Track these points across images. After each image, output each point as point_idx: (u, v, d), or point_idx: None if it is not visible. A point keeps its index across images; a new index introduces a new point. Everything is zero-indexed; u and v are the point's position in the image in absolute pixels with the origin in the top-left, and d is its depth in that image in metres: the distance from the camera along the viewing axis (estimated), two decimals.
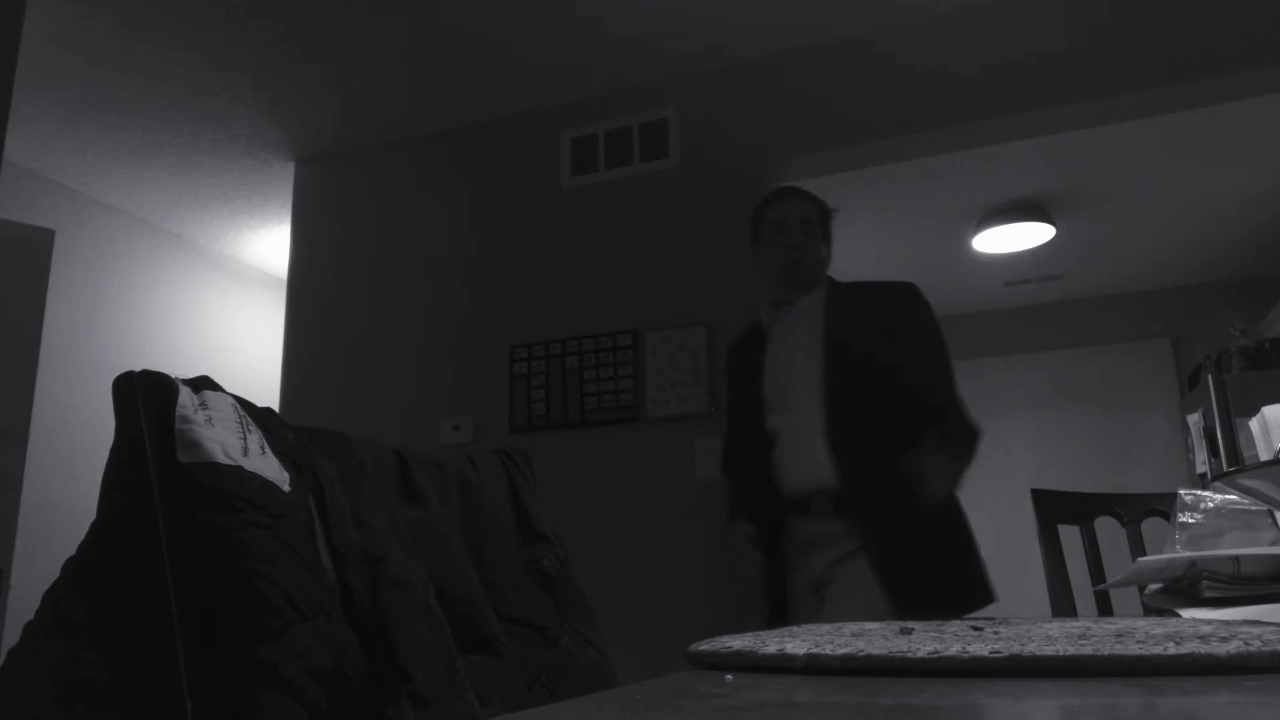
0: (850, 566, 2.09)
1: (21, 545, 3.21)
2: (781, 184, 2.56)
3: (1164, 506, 1.85)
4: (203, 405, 0.76)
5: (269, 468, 0.77)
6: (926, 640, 0.51)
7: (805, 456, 2.19)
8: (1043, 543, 1.85)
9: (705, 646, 0.55)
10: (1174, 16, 2.82)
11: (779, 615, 2.22)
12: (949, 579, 2.09)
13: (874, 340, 2.22)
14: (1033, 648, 0.46)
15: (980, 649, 0.46)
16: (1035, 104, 2.92)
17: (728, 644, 0.54)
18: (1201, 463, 4.41)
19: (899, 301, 2.29)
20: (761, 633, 0.60)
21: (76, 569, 0.71)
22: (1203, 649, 0.43)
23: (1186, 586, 0.72)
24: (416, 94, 3.45)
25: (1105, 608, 1.76)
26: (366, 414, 3.50)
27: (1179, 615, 0.73)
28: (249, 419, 0.80)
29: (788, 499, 2.23)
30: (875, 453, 2.12)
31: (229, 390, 0.82)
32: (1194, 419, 4.49)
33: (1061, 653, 0.44)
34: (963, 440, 2.09)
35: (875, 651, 0.47)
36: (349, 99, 3.47)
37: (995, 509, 5.96)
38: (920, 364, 2.19)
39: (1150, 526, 1.86)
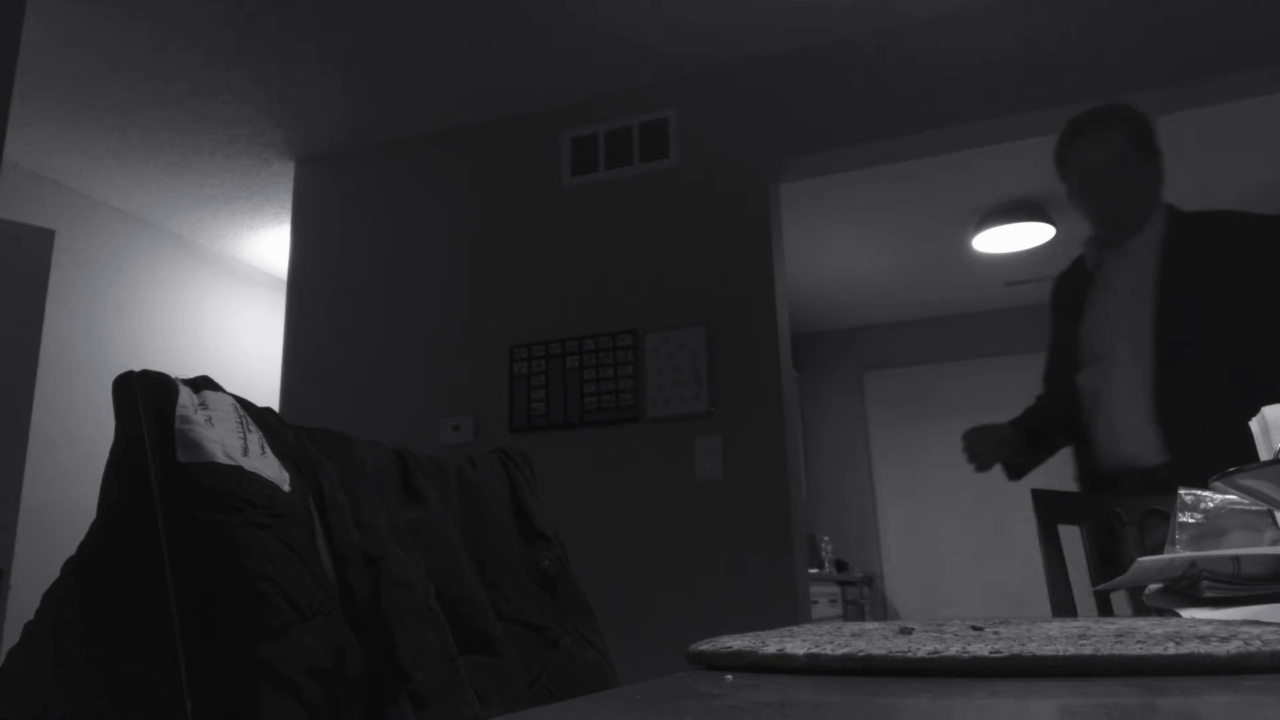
0: None
1: (21, 545, 3.21)
2: (1087, 109, 2.11)
3: (1164, 506, 1.85)
4: (203, 405, 0.76)
5: (269, 468, 0.77)
6: (926, 640, 0.51)
7: (1124, 425, 1.92)
8: (1043, 543, 1.85)
9: (705, 646, 0.55)
10: (1174, 16, 2.82)
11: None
12: None
13: (1225, 287, 1.87)
14: (1033, 648, 0.46)
15: (980, 649, 0.46)
16: (1035, 104, 2.92)
17: (728, 644, 0.54)
18: None
19: (1256, 240, 1.92)
20: (761, 633, 0.61)
21: (76, 569, 0.71)
22: (1203, 649, 0.43)
23: (1186, 586, 0.72)
24: (416, 94, 3.45)
25: (1105, 608, 1.76)
26: (367, 414, 3.50)
27: (1179, 615, 0.73)
28: (249, 419, 0.80)
29: (1100, 472, 1.98)
30: (1220, 428, 1.77)
31: (229, 390, 0.82)
32: None
33: (1061, 653, 0.44)
34: None
35: (875, 651, 0.47)
36: (349, 99, 3.47)
37: (995, 509, 5.96)
38: None
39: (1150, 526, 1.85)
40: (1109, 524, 1.85)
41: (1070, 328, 2.12)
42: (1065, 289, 2.20)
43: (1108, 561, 1.84)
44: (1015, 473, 2.17)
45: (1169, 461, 1.88)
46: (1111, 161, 2.01)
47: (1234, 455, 1.77)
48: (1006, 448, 2.09)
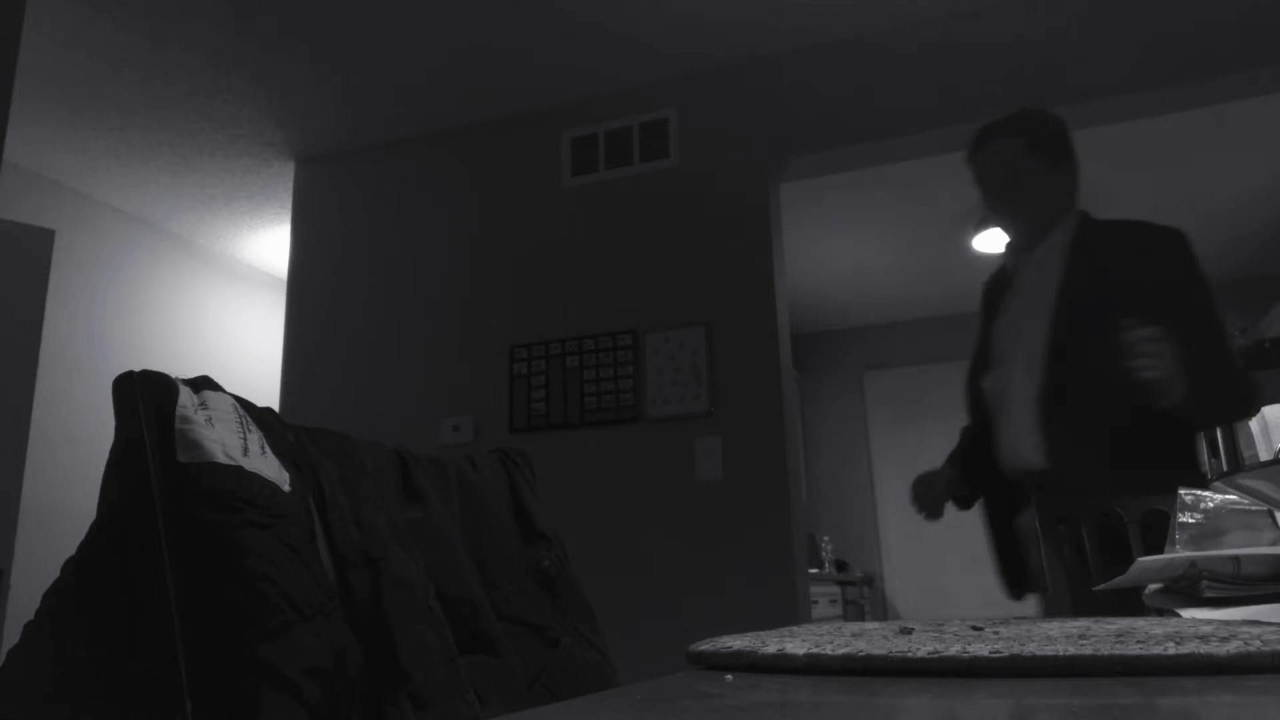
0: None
1: (21, 545, 3.21)
2: (989, 121, 2.10)
3: (1164, 506, 1.84)
4: (203, 405, 0.76)
5: (269, 468, 0.77)
6: (926, 640, 0.51)
7: (1018, 429, 1.93)
8: (1043, 542, 1.85)
9: (705, 646, 0.55)
10: (1173, 16, 2.82)
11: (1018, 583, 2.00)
12: None
13: (1123, 296, 1.84)
14: (1033, 648, 0.46)
15: (980, 649, 0.46)
16: (1035, 104, 2.91)
17: (728, 644, 0.54)
18: (1201, 463, 4.41)
19: (1161, 251, 1.90)
20: (761, 633, 0.61)
21: (76, 569, 0.71)
22: (1203, 649, 0.43)
23: (1186, 586, 0.72)
24: (417, 94, 3.45)
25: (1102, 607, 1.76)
26: (367, 414, 3.50)
27: (1179, 615, 0.73)
28: (249, 419, 0.80)
29: (1005, 476, 1.99)
30: (1102, 436, 1.82)
31: (229, 390, 0.82)
32: None
33: (1061, 653, 0.44)
34: (1219, 368, 1.68)
35: (875, 651, 0.47)
36: (349, 98, 3.47)
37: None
38: (1180, 327, 1.68)
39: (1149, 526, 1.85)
40: (1034, 532, 1.86)
41: (987, 329, 2.13)
42: (989, 292, 2.21)
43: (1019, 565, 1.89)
44: (965, 504, 2.18)
45: (1050, 468, 1.89)
46: (1009, 169, 2.00)
47: (1112, 463, 1.79)
48: (953, 487, 2.11)
